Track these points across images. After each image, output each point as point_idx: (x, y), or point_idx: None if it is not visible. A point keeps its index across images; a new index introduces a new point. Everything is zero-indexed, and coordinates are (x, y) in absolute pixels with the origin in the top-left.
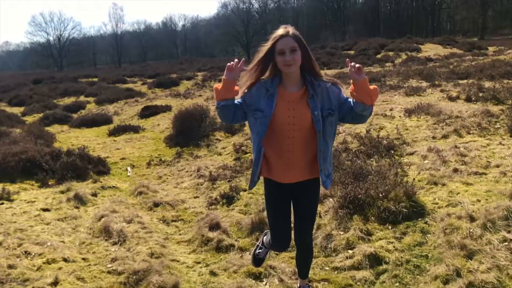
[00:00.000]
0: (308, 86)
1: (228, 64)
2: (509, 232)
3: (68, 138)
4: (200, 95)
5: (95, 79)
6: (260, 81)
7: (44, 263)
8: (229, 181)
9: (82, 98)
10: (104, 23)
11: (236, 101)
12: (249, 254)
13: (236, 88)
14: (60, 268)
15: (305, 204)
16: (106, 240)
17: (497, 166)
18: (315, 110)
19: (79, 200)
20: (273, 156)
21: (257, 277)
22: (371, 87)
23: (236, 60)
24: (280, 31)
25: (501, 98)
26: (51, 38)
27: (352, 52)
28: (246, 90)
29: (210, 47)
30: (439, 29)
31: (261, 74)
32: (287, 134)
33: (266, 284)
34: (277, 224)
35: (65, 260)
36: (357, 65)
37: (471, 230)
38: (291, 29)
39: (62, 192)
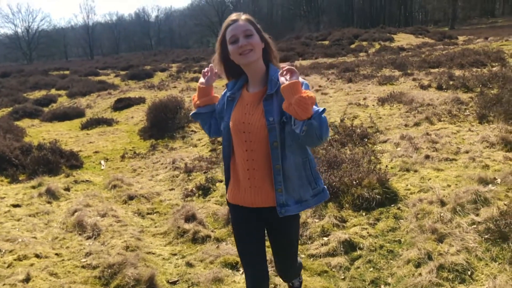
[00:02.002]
0: (268, 84)
1: (203, 70)
2: (477, 215)
3: (39, 132)
4: (175, 87)
5: (67, 72)
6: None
7: (15, 259)
8: (205, 172)
9: (53, 91)
10: (75, 15)
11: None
12: (226, 244)
13: (213, 95)
14: (32, 265)
15: (279, 236)
16: (80, 234)
17: (467, 152)
18: (270, 115)
19: (51, 195)
20: (236, 173)
21: (234, 267)
22: (302, 94)
23: (211, 65)
24: (231, 16)
25: (470, 86)
26: (19, 30)
27: (326, 42)
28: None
29: (184, 38)
30: (411, 19)
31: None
32: (244, 146)
33: (242, 273)
34: (248, 260)
35: (37, 256)
36: (288, 66)
37: (441, 214)
38: (244, 15)
39: (33, 187)
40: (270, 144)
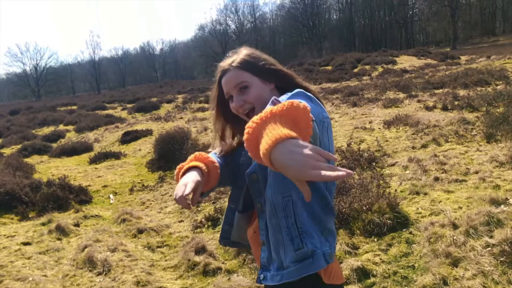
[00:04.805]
0: None
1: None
2: (491, 237)
3: (48, 168)
4: (181, 118)
5: (74, 107)
6: None
7: None
8: (213, 203)
9: (61, 126)
10: (81, 51)
11: None
12: (237, 276)
13: (213, 165)
14: None
15: None
16: (90, 271)
17: (476, 172)
18: None
19: (61, 232)
20: None
21: None
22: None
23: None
24: (222, 63)
25: (476, 106)
26: (27, 68)
27: (329, 67)
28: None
29: (189, 69)
30: (413, 41)
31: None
32: None
33: None
34: None
35: None
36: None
37: (454, 238)
38: (240, 55)
39: (43, 224)
40: (248, 177)
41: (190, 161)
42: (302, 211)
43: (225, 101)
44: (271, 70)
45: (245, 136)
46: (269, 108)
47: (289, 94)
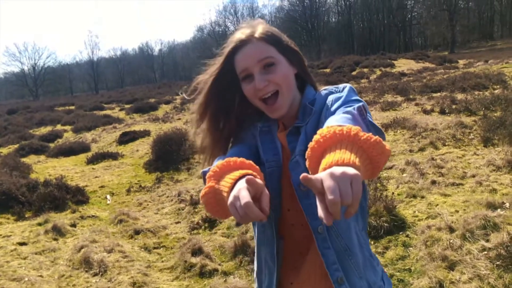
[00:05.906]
0: (299, 111)
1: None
2: (487, 241)
3: (45, 168)
4: (179, 119)
5: (72, 107)
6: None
7: None
8: None
9: (59, 126)
10: (80, 51)
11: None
12: (233, 277)
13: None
14: None
15: None
16: (86, 271)
17: (473, 176)
18: (294, 152)
19: (58, 232)
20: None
21: None
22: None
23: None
24: (237, 32)
25: (473, 110)
26: (25, 68)
27: (327, 70)
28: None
29: (187, 70)
30: (411, 45)
31: (228, 133)
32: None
33: None
34: None
35: None
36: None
37: (451, 241)
38: (259, 27)
39: (39, 224)
40: (296, 190)
41: (226, 169)
42: (362, 221)
43: (224, 86)
44: (296, 51)
45: (316, 139)
46: (366, 134)
47: (340, 89)
